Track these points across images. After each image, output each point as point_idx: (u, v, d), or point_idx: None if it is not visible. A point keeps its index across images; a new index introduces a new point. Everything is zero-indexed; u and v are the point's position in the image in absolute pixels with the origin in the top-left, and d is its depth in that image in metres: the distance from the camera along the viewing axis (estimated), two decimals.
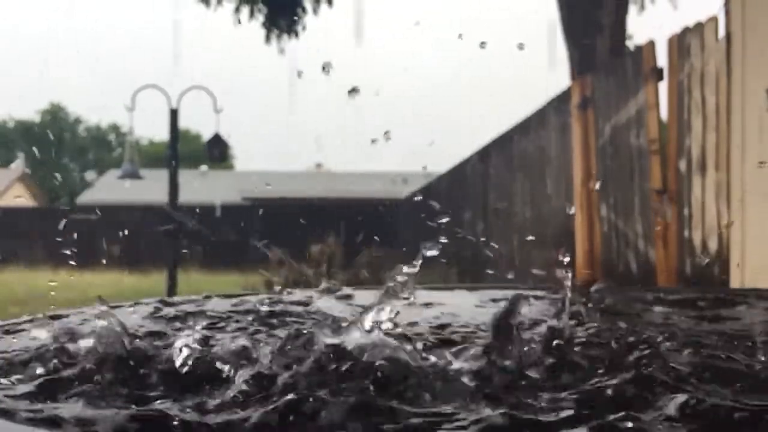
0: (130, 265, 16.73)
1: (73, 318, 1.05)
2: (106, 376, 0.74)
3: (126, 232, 19.90)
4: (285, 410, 0.60)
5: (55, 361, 0.79)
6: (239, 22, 12.19)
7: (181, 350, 0.76)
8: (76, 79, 67.10)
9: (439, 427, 0.59)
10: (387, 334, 0.76)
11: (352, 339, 0.73)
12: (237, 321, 1.07)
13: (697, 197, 4.72)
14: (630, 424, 0.58)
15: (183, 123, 12.75)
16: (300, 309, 1.16)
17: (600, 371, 0.75)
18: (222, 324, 1.05)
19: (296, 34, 12.57)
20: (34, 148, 48.52)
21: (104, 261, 18.02)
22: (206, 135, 14.24)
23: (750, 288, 1.66)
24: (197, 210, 18.03)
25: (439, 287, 1.56)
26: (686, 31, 4.87)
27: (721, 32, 4.49)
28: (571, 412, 0.63)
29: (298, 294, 1.33)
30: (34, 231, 18.67)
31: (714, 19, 4.59)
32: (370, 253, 13.50)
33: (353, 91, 1.38)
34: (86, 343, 0.81)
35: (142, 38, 65.57)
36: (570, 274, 0.95)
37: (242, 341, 0.80)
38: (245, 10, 12.39)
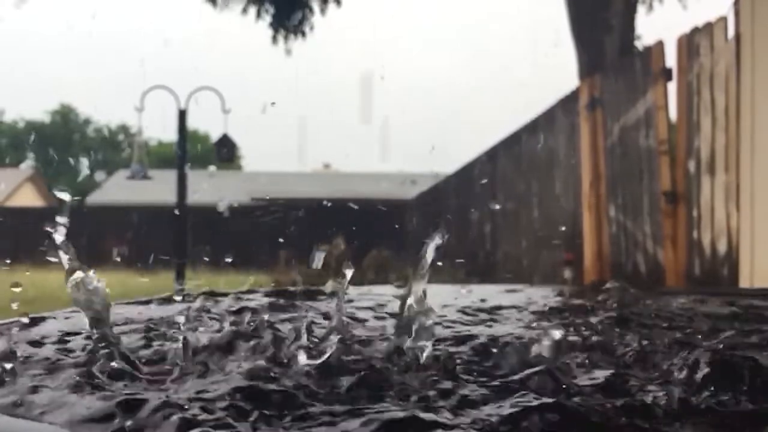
0: (138, 265, 16.75)
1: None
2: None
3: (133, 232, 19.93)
4: None
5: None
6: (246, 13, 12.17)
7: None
8: (77, 79, 67.31)
9: None
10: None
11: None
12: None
13: (706, 198, 4.70)
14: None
15: (191, 123, 12.80)
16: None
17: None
18: None
19: (303, 35, 12.57)
20: (45, 148, 48.75)
21: (117, 259, 18.05)
22: (214, 135, 14.27)
23: (759, 288, 1.64)
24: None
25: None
26: (695, 31, 4.84)
27: (731, 32, 4.47)
28: None
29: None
30: (44, 230, 18.70)
31: (723, 20, 4.57)
32: (378, 253, 13.50)
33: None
34: None
35: (143, 38, 65.79)
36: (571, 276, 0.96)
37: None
38: (252, 11, 12.40)
